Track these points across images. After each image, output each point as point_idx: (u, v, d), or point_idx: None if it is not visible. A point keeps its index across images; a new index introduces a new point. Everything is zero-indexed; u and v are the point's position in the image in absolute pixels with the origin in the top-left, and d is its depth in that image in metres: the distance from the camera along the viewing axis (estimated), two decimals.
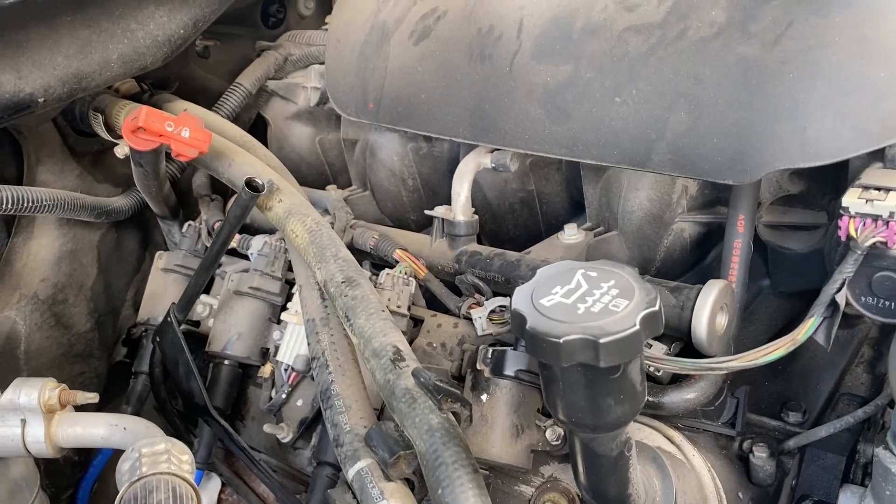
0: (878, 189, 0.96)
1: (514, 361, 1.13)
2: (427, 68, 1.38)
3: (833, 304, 0.98)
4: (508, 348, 1.15)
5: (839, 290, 0.98)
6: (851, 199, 0.96)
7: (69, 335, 1.60)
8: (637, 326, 0.73)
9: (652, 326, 0.75)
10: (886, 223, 0.94)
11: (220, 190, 1.74)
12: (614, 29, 1.15)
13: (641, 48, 1.12)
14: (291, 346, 1.43)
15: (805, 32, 0.99)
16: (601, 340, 0.71)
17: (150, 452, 1.02)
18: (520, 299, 0.79)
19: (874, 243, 0.96)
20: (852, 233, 0.96)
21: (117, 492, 1.83)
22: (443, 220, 1.42)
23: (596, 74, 1.16)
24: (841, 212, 0.97)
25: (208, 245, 1.64)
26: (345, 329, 1.17)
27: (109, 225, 1.69)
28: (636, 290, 0.77)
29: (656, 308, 0.75)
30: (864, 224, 0.96)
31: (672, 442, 1.17)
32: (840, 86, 0.97)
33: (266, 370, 1.47)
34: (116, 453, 1.68)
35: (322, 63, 1.78)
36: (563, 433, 1.13)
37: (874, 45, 0.95)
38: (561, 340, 0.72)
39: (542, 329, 0.74)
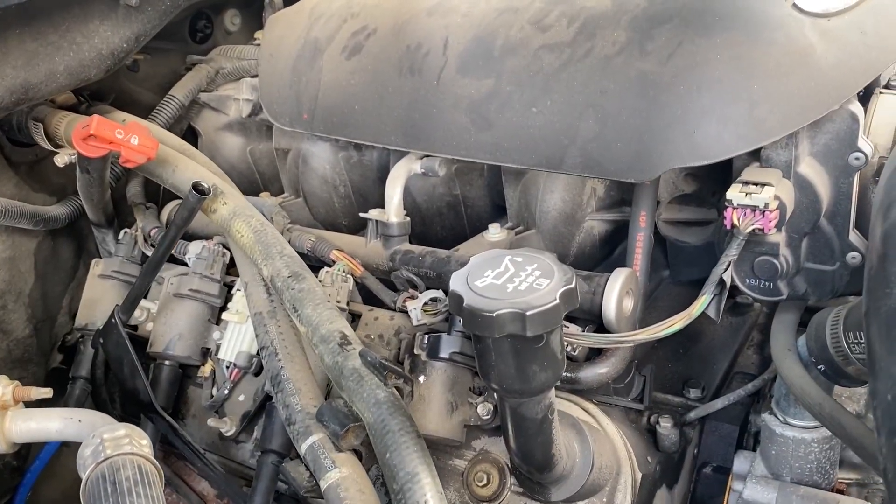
0: (756, 184, 1.09)
1: (448, 345, 1.22)
2: (359, 81, 1.45)
3: (721, 282, 1.12)
4: (443, 333, 1.24)
5: (726, 269, 1.12)
6: (734, 193, 1.09)
7: (8, 340, 1.59)
8: (557, 300, 0.83)
9: (570, 300, 0.85)
10: (763, 212, 1.08)
11: (153, 199, 1.77)
12: (530, 47, 1.27)
13: (554, 64, 1.23)
14: (233, 343, 1.46)
15: (693, 51, 1.13)
16: (528, 313, 0.81)
17: (111, 437, 1.04)
18: (457, 282, 0.89)
19: (753, 230, 1.09)
20: (735, 221, 1.09)
21: (50, 500, 1.82)
22: (377, 221, 1.48)
23: (515, 88, 1.27)
24: (726, 204, 1.10)
25: (145, 251, 1.67)
26: (291, 320, 1.25)
27: (45, 234, 1.69)
28: (555, 271, 0.87)
29: (573, 285, 0.86)
30: (745, 214, 1.09)
31: (588, 413, 1.30)
32: (721, 96, 1.11)
33: (206, 369, 1.49)
34: (52, 460, 1.68)
35: (253, 76, 1.81)
36: (492, 408, 1.23)
37: (748, 61, 1.10)
38: (494, 314, 0.82)
39: (478, 306, 0.83)
